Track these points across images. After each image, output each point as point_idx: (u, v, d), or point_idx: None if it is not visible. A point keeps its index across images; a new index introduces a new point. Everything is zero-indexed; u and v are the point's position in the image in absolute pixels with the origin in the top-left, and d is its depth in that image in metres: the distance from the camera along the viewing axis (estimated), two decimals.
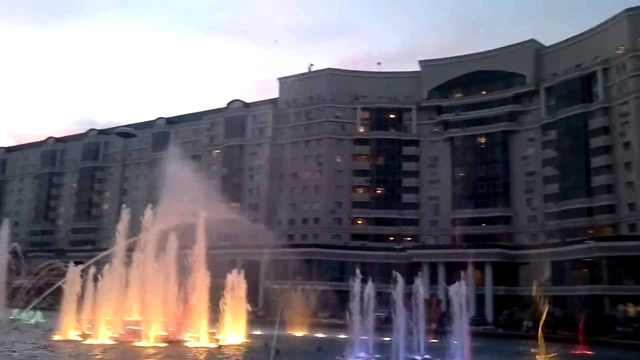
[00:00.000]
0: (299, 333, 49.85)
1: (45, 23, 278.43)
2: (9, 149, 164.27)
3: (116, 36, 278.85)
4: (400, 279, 28.76)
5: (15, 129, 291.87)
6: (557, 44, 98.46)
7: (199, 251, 37.00)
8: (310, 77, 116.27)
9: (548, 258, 79.44)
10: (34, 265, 56.60)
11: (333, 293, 71.51)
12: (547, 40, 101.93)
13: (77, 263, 40.01)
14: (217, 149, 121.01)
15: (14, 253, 53.94)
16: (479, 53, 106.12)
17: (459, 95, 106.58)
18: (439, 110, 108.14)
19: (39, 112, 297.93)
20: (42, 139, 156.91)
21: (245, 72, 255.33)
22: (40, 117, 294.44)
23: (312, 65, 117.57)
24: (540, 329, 32.67)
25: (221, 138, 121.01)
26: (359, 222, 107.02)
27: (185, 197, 41.10)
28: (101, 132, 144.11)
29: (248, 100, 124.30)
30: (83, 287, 36.12)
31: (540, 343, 31.30)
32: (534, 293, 59.61)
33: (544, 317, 36.53)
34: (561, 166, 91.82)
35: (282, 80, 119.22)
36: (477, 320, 65.86)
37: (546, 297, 52.74)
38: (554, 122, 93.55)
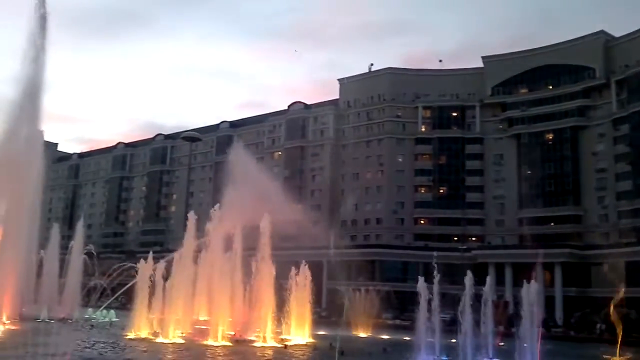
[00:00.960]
0: (363, 334, 49.74)
1: (114, 33, 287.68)
2: (82, 155, 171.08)
3: (181, 43, 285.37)
4: (469, 280, 28.26)
5: (87, 135, 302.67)
6: (628, 34, 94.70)
7: (264, 252, 37.43)
8: (371, 76, 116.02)
9: (622, 258, 76.54)
10: (106, 267, 58.79)
11: (396, 294, 70.97)
12: (617, 32, 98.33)
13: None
14: (278, 151, 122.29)
15: (89, 254, 56.23)
16: (545, 47, 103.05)
17: (524, 90, 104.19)
18: (504, 106, 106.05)
19: (109, 118, 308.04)
20: (113, 144, 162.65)
21: (306, 74, 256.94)
22: (111, 124, 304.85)
23: (372, 65, 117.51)
24: (618, 332, 31.61)
25: (283, 140, 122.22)
26: (422, 222, 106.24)
27: (249, 198, 41.71)
28: (168, 136, 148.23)
29: (309, 102, 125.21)
30: (153, 287, 37.08)
31: (618, 346, 30.25)
32: (607, 295, 57.66)
33: (620, 320, 35.24)
34: (634, 162, 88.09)
35: (343, 81, 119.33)
36: (548, 322, 64.24)
37: (621, 299, 50.87)
38: (626, 117, 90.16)
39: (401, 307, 70.44)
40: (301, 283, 40.41)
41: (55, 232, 57.70)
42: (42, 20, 46.24)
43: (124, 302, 55.85)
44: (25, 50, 45.09)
